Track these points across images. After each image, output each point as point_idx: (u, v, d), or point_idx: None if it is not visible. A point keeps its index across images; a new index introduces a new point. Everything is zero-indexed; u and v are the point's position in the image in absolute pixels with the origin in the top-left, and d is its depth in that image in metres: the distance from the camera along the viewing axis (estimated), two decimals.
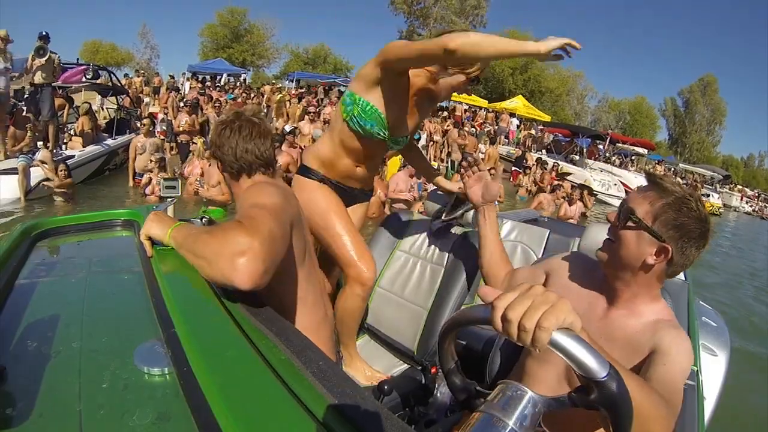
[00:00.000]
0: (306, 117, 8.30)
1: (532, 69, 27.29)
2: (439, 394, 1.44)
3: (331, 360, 0.65)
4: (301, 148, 6.31)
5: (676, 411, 0.79)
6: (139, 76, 14.38)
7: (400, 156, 6.60)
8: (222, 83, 15.09)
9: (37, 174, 4.99)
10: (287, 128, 8.24)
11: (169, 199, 1.39)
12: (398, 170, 6.03)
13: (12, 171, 4.89)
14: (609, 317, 0.94)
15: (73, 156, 5.77)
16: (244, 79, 16.91)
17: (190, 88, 12.60)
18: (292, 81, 17.24)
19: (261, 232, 0.78)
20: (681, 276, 1.99)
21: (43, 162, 5.04)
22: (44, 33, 5.59)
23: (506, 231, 2.03)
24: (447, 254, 1.73)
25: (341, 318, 1.52)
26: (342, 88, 15.63)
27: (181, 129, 7.37)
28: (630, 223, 0.88)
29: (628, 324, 0.91)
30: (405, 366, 1.72)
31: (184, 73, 15.99)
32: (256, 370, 0.60)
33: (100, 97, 9.17)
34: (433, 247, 1.79)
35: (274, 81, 18.99)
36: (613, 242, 0.92)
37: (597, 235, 1.37)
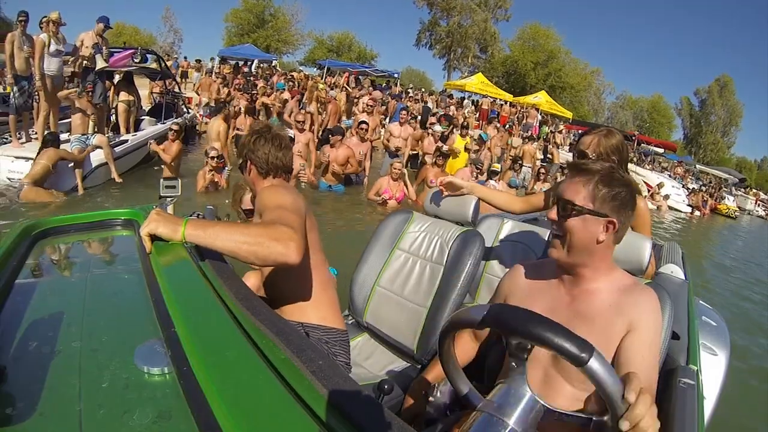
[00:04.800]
0: (364, 110, 8.33)
1: (553, 64, 27.32)
2: (439, 394, 1.44)
3: (331, 359, 0.65)
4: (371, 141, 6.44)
5: (651, 387, 0.90)
6: (168, 60, 14.48)
7: (467, 154, 6.87)
8: (253, 69, 15.14)
9: (93, 158, 4.94)
10: (347, 122, 8.39)
11: (168, 199, 1.39)
12: (465, 166, 6.42)
13: None
14: (577, 299, 1.01)
15: (126, 141, 5.71)
16: (275, 66, 16.88)
17: (227, 73, 12.64)
18: (323, 68, 17.26)
19: (297, 226, 1.03)
20: (681, 275, 1.99)
21: (98, 147, 4.99)
22: (107, 18, 5.61)
23: (506, 231, 2.03)
24: (447, 253, 1.73)
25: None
26: (372, 78, 15.68)
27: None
28: (573, 213, 0.95)
29: (598, 301, 0.98)
30: (405, 365, 1.73)
31: (212, 58, 16.08)
32: (256, 370, 0.60)
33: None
34: (432, 246, 1.79)
35: (301, 68, 19.13)
36: (562, 236, 0.98)
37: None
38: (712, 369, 1.73)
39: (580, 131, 16.47)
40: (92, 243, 1.20)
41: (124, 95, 6.35)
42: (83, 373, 0.60)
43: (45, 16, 5.12)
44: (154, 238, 0.96)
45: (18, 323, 0.72)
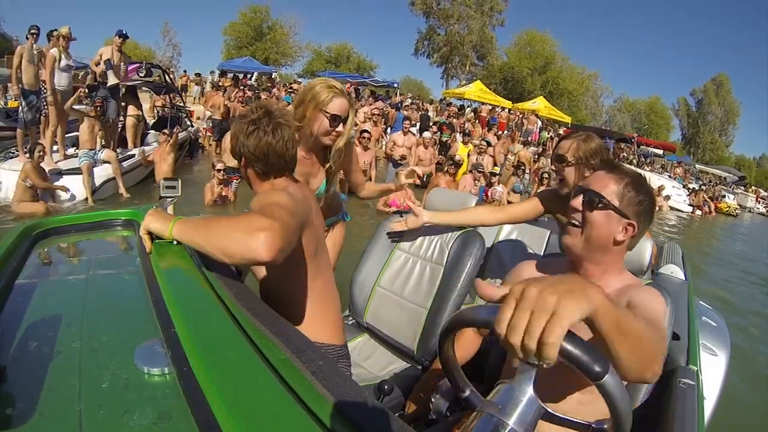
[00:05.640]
0: (366, 120, 8.41)
1: (551, 70, 27.49)
2: (439, 394, 1.45)
3: (332, 360, 0.65)
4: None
5: (663, 336, 0.89)
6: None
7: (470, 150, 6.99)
8: (253, 81, 15.18)
9: (102, 173, 4.99)
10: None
11: (169, 199, 1.39)
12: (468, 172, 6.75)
13: (75, 171, 4.84)
14: None
15: (133, 155, 5.76)
16: (275, 78, 16.92)
17: (227, 86, 12.65)
18: None
19: (279, 217, 0.87)
20: (681, 275, 1.99)
21: (106, 162, 5.03)
22: (124, 32, 5.64)
23: (506, 231, 2.03)
24: (447, 254, 1.73)
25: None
26: (372, 88, 15.71)
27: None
28: (599, 205, 0.95)
29: None
30: (405, 365, 1.73)
31: (212, 72, 16.16)
32: (256, 370, 0.60)
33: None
34: (432, 246, 1.79)
35: (299, 80, 19.27)
36: (580, 226, 0.98)
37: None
38: (712, 369, 1.73)
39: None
40: (93, 243, 1.20)
41: (132, 110, 6.39)
42: (83, 374, 0.60)
43: (54, 30, 5.12)
44: (154, 237, 0.96)
45: (18, 323, 0.72)
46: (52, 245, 1.13)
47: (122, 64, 5.79)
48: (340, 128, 1.52)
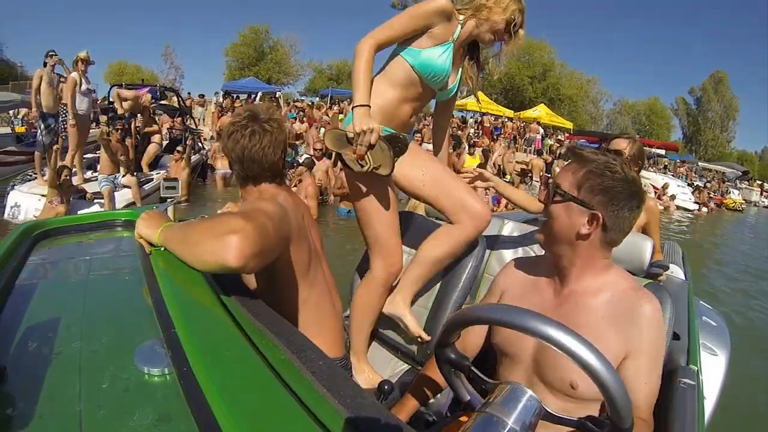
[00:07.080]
0: None
1: (550, 77, 27.63)
2: (439, 394, 1.44)
3: (332, 360, 0.65)
4: None
5: (651, 406, 0.88)
6: (172, 96, 14.80)
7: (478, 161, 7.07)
8: (259, 101, 15.29)
9: (122, 198, 5.00)
10: None
11: (169, 200, 1.38)
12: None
13: (96, 196, 4.87)
14: (566, 301, 0.94)
15: (151, 179, 5.81)
16: (279, 97, 16.96)
17: (233, 107, 12.78)
18: (325, 97, 17.65)
19: (255, 220, 0.82)
20: (681, 275, 1.99)
21: (126, 186, 5.05)
22: (155, 93, 5.97)
23: (507, 231, 2.03)
24: None
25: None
26: None
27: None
28: (557, 197, 0.91)
29: (588, 309, 0.91)
30: (405, 366, 1.72)
31: (216, 93, 16.49)
32: (256, 370, 0.60)
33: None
34: None
35: (302, 98, 19.61)
36: (546, 220, 0.95)
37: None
38: (713, 369, 1.73)
39: (582, 141, 16.65)
40: (92, 244, 1.20)
41: (157, 137, 6.50)
42: (83, 374, 0.60)
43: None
44: None
45: (18, 324, 0.72)
46: (52, 246, 1.13)
47: (137, 118, 6.05)
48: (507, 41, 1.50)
